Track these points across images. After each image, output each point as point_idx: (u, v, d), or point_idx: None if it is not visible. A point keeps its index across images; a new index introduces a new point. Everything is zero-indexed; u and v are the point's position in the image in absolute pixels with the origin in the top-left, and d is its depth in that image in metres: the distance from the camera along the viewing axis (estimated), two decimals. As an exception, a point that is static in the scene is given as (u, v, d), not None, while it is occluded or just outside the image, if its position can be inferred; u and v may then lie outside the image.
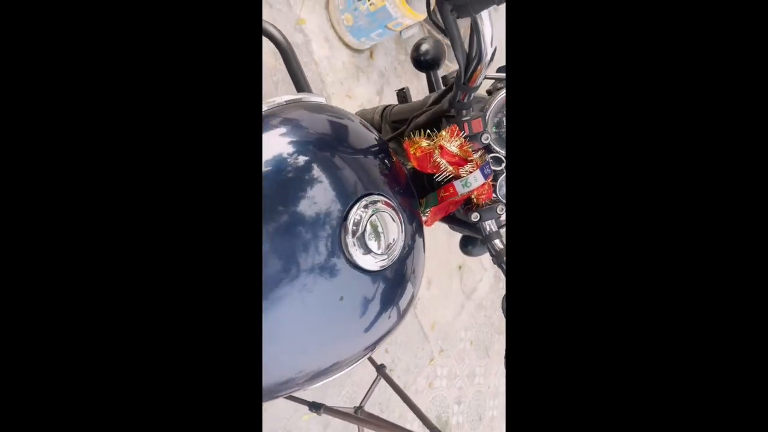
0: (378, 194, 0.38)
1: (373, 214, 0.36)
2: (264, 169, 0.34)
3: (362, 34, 1.38)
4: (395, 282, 0.41)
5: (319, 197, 0.35)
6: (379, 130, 0.63)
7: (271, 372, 0.36)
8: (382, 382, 0.84)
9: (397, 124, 0.62)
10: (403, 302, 0.43)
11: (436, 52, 0.54)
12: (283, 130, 0.37)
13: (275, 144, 0.36)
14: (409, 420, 1.61)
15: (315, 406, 0.80)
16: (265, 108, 0.39)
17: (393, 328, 0.44)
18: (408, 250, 0.41)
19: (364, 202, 0.37)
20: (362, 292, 0.38)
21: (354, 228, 0.35)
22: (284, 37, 0.59)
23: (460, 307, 1.92)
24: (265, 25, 0.61)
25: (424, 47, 0.54)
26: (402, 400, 0.82)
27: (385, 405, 1.51)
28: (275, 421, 1.17)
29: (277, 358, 0.36)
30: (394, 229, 0.38)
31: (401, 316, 0.44)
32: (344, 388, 1.40)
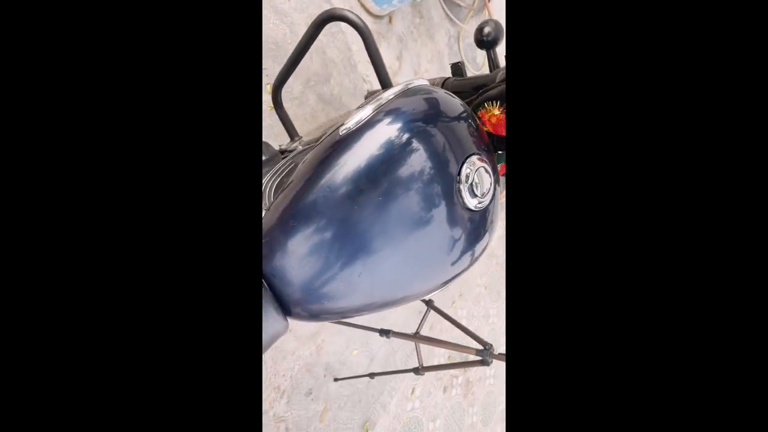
0: (475, 154, 0.52)
1: (477, 170, 0.50)
2: (379, 152, 0.46)
3: (384, 1, 1.43)
4: (481, 223, 0.54)
5: (437, 161, 0.48)
6: None
7: (377, 293, 0.50)
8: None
9: (456, 95, 0.74)
10: (480, 246, 0.55)
11: (496, 34, 0.65)
12: (389, 119, 0.48)
13: (386, 132, 0.46)
14: (437, 352, 1.84)
15: (384, 332, 0.98)
16: (373, 107, 0.49)
17: (468, 267, 0.56)
18: (492, 198, 0.55)
19: (468, 161, 0.50)
20: (465, 229, 0.52)
21: (465, 180, 0.49)
22: (363, 22, 0.70)
23: (475, 257, 2.10)
24: (345, 12, 0.71)
25: (487, 29, 0.65)
26: (451, 323, 1.00)
27: (416, 342, 1.73)
28: (332, 355, 1.37)
29: (388, 281, 0.50)
30: (487, 179, 0.52)
31: (475, 259, 0.56)
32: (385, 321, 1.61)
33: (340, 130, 0.48)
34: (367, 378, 1.58)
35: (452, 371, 1.97)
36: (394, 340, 1.64)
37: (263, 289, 0.44)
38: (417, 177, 0.47)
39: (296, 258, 0.44)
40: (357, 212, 0.44)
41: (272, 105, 1.23)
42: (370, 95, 1.02)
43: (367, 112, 0.49)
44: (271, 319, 0.45)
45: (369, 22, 1.52)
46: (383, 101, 0.51)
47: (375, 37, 1.58)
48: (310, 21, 1.38)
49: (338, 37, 1.40)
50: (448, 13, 1.86)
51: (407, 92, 0.53)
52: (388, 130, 0.48)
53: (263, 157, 0.77)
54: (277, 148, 0.84)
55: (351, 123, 0.48)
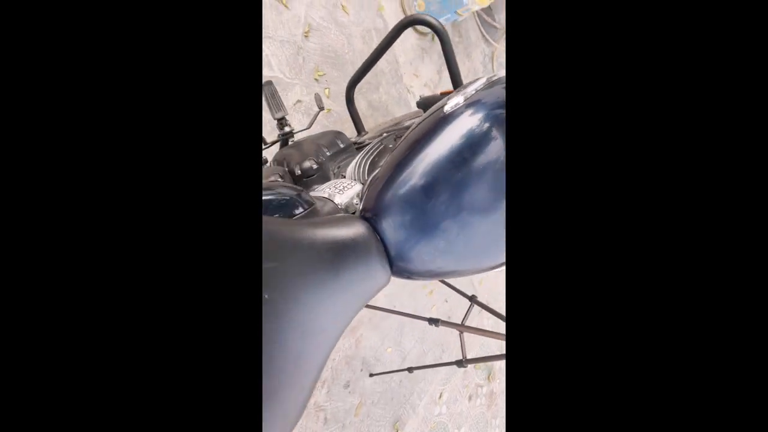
0: None
1: None
2: (479, 128, 0.53)
3: (431, 18, 1.54)
4: None
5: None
6: None
7: (467, 256, 0.55)
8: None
9: None
10: None
11: None
12: (470, 111, 0.56)
13: (469, 122, 0.54)
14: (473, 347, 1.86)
15: (433, 321, 1.02)
16: (463, 96, 0.57)
17: None
18: None
19: None
20: None
21: None
22: (441, 26, 0.78)
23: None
24: (426, 17, 0.80)
25: None
26: (493, 315, 1.04)
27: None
28: (369, 350, 1.40)
29: (478, 246, 0.55)
30: None
31: None
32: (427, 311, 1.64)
33: (444, 109, 0.55)
34: (400, 377, 1.60)
35: (477, 380, 1.98)
36: (426, 342, 1.67)
37: (376, 242, 0.50)
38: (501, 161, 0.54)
39: (406, 216, 0.51)
40: (459, 177, 0.51)
41: (328, 108, 1.32)
42: (423, 100, 1.11)
43: (459, 99, 0.57)
44: (381, 272, 0.51)
45: (414, 38, 1.63)
46: (470, 92, 0.58)
47: (419, 52, 1.69)
48: (365, 33, 1.50)
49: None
50: (485, 33, 1.97)
51: (492, 83, 0.61)
52: (482, 113, 0.56)
53: (340, 146, 0.85)
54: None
55: (448, 106, 0.55)
